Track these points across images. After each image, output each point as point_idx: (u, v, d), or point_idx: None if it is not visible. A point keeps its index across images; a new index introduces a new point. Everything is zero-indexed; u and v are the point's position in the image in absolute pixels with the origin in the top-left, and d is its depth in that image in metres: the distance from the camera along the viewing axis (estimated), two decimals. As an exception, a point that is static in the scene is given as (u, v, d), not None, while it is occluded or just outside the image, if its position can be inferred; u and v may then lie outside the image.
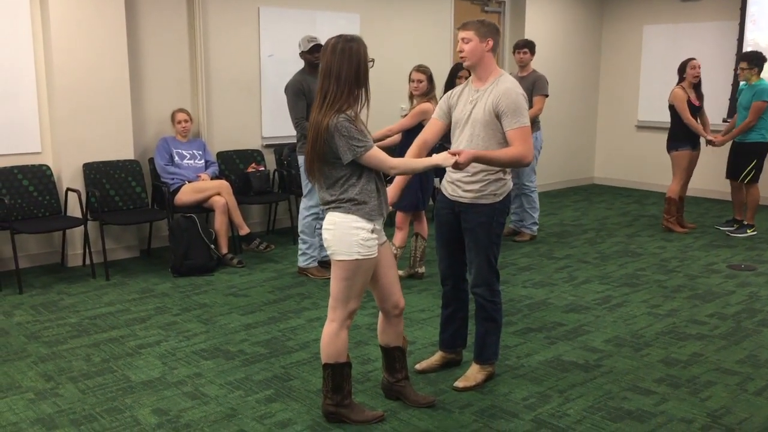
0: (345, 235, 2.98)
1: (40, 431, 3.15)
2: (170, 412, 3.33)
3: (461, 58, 3.42)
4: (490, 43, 3.37)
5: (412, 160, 3.20)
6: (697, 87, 6.84)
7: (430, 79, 5.22)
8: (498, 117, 3.30)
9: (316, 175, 3.04)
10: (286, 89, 5.28)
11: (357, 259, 3.00)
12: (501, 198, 3.43)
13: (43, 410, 3.35)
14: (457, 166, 3.10)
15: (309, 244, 5.46)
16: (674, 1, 9.05)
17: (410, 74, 5.25)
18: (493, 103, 3.30)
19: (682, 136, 6.82)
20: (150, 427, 3.19)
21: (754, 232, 6.92)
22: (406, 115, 5.33)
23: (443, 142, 3.67)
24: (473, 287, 3.54)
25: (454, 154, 3.08)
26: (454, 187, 3.48)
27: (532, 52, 6.55)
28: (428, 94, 5.21)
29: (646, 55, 9.40)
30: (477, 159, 3.18)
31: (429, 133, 3.54)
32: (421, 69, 5.21)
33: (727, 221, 7.32)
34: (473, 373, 3.62)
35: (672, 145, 6.92)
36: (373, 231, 3.03)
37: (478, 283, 3.51)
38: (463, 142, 3.41)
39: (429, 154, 3.38)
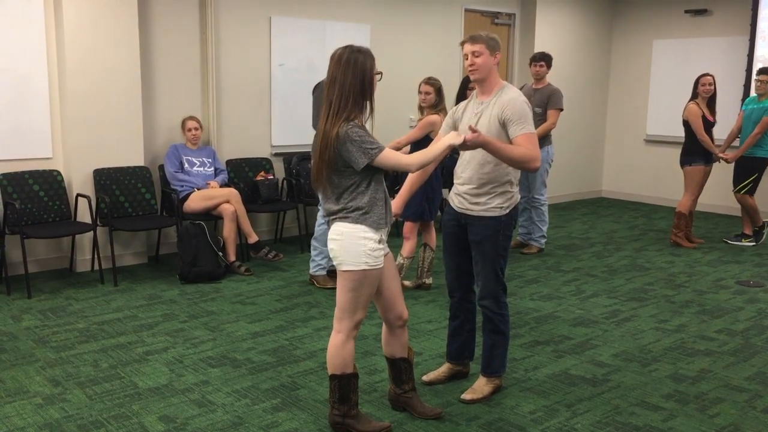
0: (352, 245, 2.98)
1: (47, 436, 3.16)
2: (177, 420, 3.33)
3: (471, 71, 3.41)
4: (498, 56, 3.41)
5: (425, 151, 3.08)
6: (710, 103, 6.85)
7: (439, 92, 5.23)
8: (504, 125, 3.30)
9: (324, 184, 3.03)
10: (315, 89, 5.35)
11: (364, 270, 3.00)
12: (508, 211, 3.43)
13: (51, 415, 3.35)
14: (464, 146, 3.08)
15: (318, 251, 5.46)
16: (684, 15, 9.06)
17: (419, 86, 5.27)
18: (499, 113, 3.31)
19: (696, 151, 6.82)
20: (157, 434, 3.20)
21: (751, 243, 6.98)
22: (415, 126, 5.34)
23: (453, 154, 3.68)
24: (480, 300, 3.54)
25: (468, 135, 3.05)
26: (461, 199, 3.48)
27: (549, 65, 6.57)
28: (437, 106, 5.22)
29: (656, 70, 9.40)
30: (485, 143, 3.14)
31: None
32: (430, 81, 5.23)
33: (735, 235, 7.31)
34: (480, 386, 3.62)
35: (685, 159, 6.93)
36: (380, 241, 3.03)
37: (485, 296, 3.51)
38: (468, 153, 3.42)
39: (442, 168, 3.36)
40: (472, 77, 3.45)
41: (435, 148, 3.06)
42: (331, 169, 2.97)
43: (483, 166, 3.38)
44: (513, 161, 3.26)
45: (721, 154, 6.87)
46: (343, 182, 2.99)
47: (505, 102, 3.32)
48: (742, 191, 6.92)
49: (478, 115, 3.39)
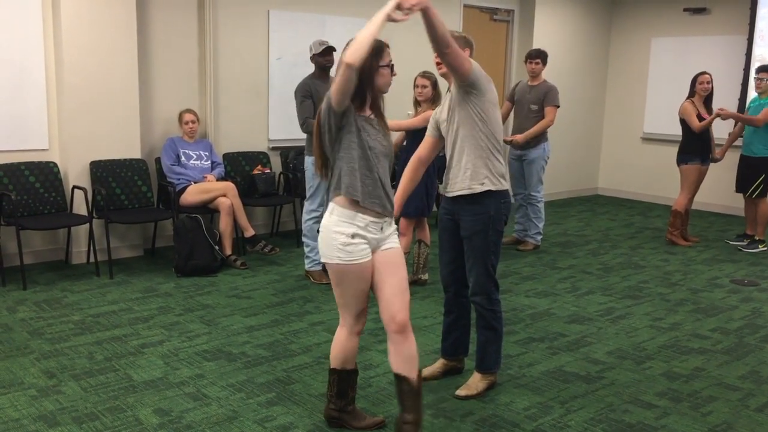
0: (327, 238, 2.93)
1: (41, 428, 3.16)
2: (172, 413, 3.33)
3: (437, 66, 3.52)
4: (467, 51, 3.49)
5: (365, 29, 2.77)
6: (707, 101, 6.84)
7: (435, 85, 5.24)
8: (468, 88, 3.32)
9: (322, 170, 3.00)
10: (296, 93, 5.32)
11: (338, 264, 2.92)
12: (493, 187, 3.38)
13: (45, 407, 3.35)
14: (400, 7, 2.91)
15: (311, 247, 5.46)
16: (683, 14, 9.06)
17: (415, 80, 5.27)
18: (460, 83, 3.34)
19: (693, 150, 6.83)
20: (151, 427, 3.20)
21: (766, 248, 6.91)
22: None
23: (442, 154, 3.68)
24: (472, 295, 3.55)
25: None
26: (448, 182, 3.48)
27: (544, 62, 6.56)
28: (435, 100, 5.23)
29: (654, 68, 9.41)
30: (427, 7, 3.13)
31: (423, 149, 3.63)
32: (425, 75, 5.24)
33: (737, 236, 7.30)
34: (475, 382, 3.63)
35: (682, 158, 6.93)
36: (354, 236, 2.88)
37: (477, 292, 3.51)
38: (450, 132, 3.44)
39: (434, 168, 3.34)
40: (438, 71, 3.55)
41: (375, 21, 2.80)
42: (322, 145, 2.92)
43: (465, 171, 3.40)
44: (439, 35, 3.30)
45: (717, 155, 6.89)
46: (330, 155, 2.92)
47: None
48: (754, 195, 6.78)
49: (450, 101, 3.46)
